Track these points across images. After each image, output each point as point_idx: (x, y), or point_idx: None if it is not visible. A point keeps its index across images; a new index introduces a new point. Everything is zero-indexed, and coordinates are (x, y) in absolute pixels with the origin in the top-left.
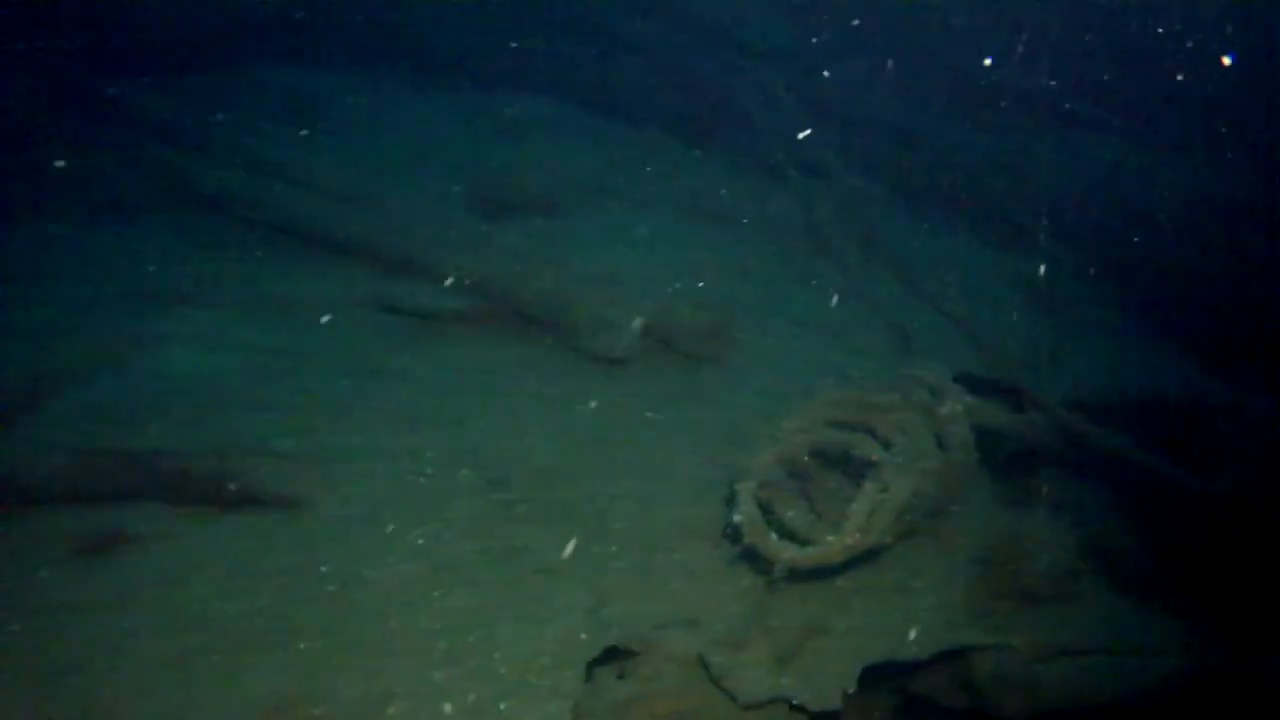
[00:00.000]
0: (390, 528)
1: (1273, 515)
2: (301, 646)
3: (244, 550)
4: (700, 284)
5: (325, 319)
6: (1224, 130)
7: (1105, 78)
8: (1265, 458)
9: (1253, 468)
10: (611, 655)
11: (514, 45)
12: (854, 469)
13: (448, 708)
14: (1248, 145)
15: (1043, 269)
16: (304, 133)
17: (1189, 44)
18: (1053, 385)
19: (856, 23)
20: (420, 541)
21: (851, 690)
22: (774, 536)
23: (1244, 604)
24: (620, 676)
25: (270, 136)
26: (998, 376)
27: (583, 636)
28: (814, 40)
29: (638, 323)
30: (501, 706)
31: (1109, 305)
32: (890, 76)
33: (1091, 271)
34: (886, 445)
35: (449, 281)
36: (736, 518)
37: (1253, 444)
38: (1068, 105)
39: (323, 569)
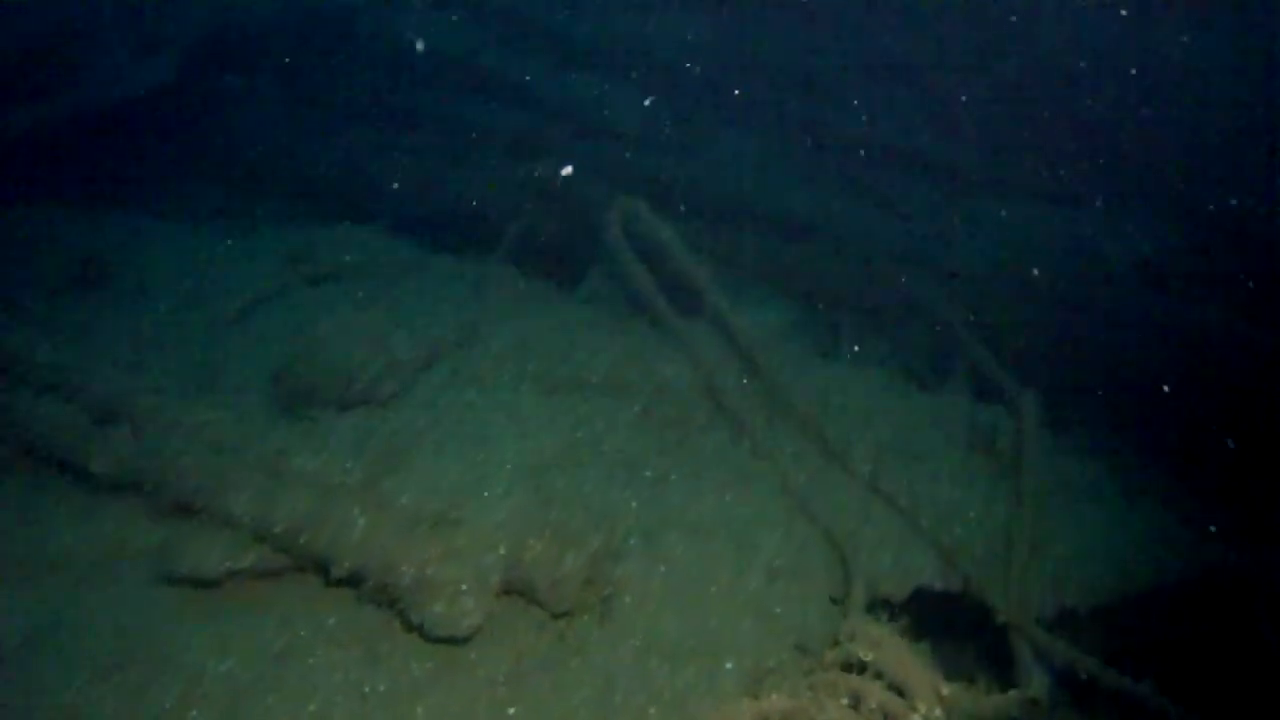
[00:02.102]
0: None
1: None
2: None
3: None
4: (570, 497)
5: (85, 589)
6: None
7: (1009, 135)
8: None
9: None
10: None
11: (345, 153)
12: None
13: None
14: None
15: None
16: (79, 308)
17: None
18: (1035, 588)
19: (735, 93)
20: None
21: None
22: None
23: None
24: None
25: (29, 318)
26: (960, 587)
27: None
28: (682, 118)
29: (484, 587)
30: None
31: (1081, 455)
32: (770, 153)
33: (1050, 411)
34: None
35: (240, 529)
36: None
37: None
38: (979, 170)
39: None
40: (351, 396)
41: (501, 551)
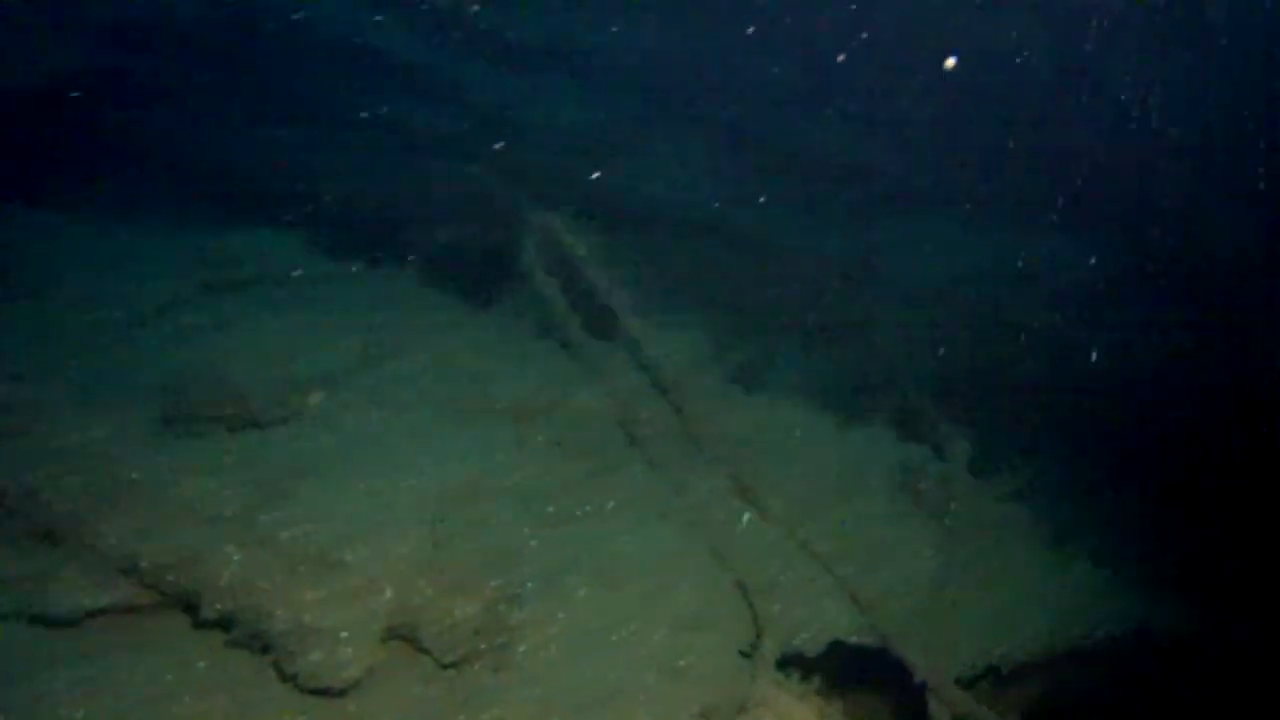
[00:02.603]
0: None
1: None
2: None
3: None
4: (467, 535)
5: None
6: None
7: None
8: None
9: None
10: None
11: (272, 153)
12: None
13: None
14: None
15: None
16: None
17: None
18: (958, 642)
19: (682, 101)
20: None
21: None
22: None
23: None
24: None
25: None
26: (879, 642)
27: None
28: (630, 127)
29: (366, 634)
30: None
31: (1017, 500)
32: (713, 162)
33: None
34: None
35: (105, 562)
36: None
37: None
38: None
39: None
40: (242, 416)
41: (388, 595)
